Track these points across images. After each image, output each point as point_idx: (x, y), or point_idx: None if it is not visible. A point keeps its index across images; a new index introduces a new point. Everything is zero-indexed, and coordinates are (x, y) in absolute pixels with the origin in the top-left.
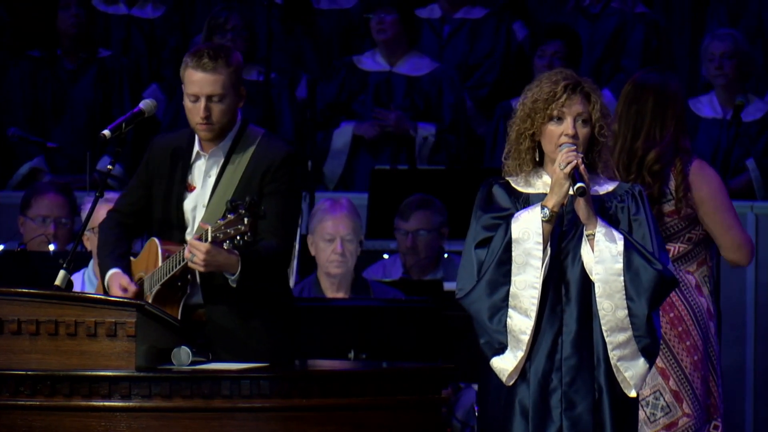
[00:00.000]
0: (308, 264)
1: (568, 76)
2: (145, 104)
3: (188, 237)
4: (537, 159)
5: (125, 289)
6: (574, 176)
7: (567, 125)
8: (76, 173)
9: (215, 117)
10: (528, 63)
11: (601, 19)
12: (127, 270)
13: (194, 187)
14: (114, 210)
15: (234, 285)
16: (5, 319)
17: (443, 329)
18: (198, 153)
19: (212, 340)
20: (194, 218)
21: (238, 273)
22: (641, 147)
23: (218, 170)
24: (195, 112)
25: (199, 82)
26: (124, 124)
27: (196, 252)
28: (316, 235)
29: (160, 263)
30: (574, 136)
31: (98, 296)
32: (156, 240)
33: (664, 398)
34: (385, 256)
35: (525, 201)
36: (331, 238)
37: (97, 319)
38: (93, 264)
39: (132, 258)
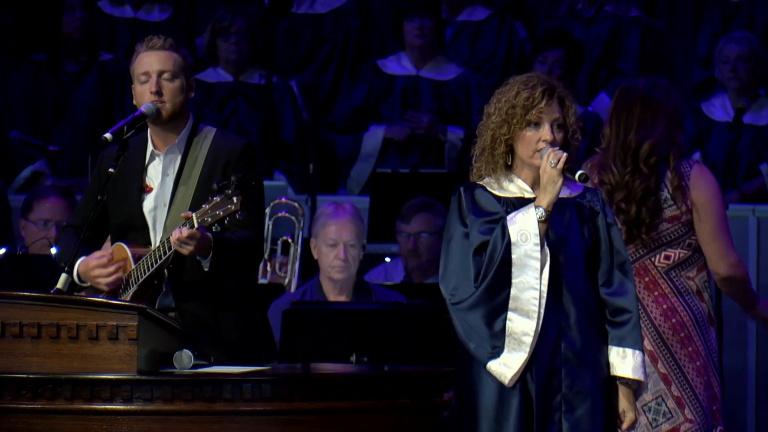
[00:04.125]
0: (310, 267)
1: (544, 81)
2: (146, 107)
3: (153, 237)
4: (509, 163)
5: (102, 256)
6: (571, 167)
7: (545, 131)
8: (78, 176)
9: (166, 94)
10: (527, 64)
11: (595, 23)
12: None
13: (152, 188)
14: (69, 226)
15: (206, 268)
16: (7, 322)
17: (445, 332)
18: (153, 153)
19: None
20: (155, 219)
21: (210, 255)
22: (634, 139)
23: (176, 168)
24: (145, 90)
25: (149, 60)
26: (125, 128)
27: (184, 239)
28: (319, 239)
29: (132, 266)
30: (552, 143)
31: (100, 299)
32: (123, 245)
33: (666, 404)
34: (387, 259)
35: (507, 204)
36: (334, 243)
37: (99, 323)
38: None
39: None
